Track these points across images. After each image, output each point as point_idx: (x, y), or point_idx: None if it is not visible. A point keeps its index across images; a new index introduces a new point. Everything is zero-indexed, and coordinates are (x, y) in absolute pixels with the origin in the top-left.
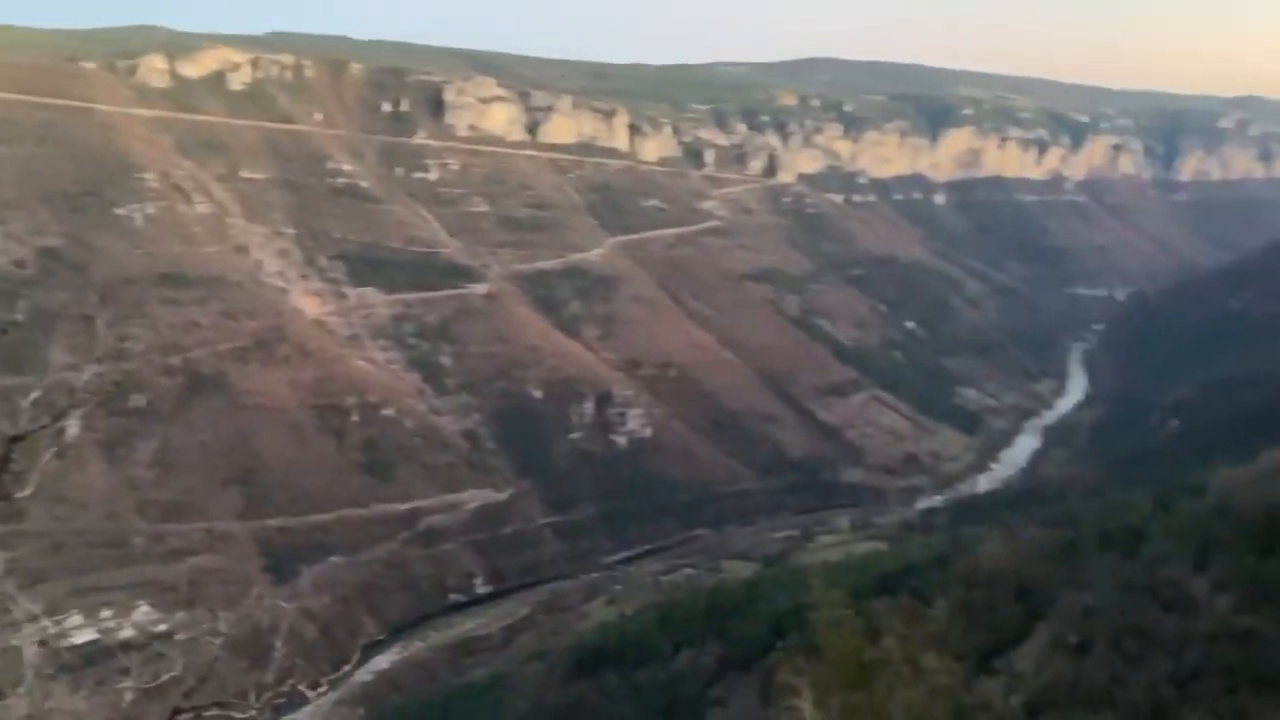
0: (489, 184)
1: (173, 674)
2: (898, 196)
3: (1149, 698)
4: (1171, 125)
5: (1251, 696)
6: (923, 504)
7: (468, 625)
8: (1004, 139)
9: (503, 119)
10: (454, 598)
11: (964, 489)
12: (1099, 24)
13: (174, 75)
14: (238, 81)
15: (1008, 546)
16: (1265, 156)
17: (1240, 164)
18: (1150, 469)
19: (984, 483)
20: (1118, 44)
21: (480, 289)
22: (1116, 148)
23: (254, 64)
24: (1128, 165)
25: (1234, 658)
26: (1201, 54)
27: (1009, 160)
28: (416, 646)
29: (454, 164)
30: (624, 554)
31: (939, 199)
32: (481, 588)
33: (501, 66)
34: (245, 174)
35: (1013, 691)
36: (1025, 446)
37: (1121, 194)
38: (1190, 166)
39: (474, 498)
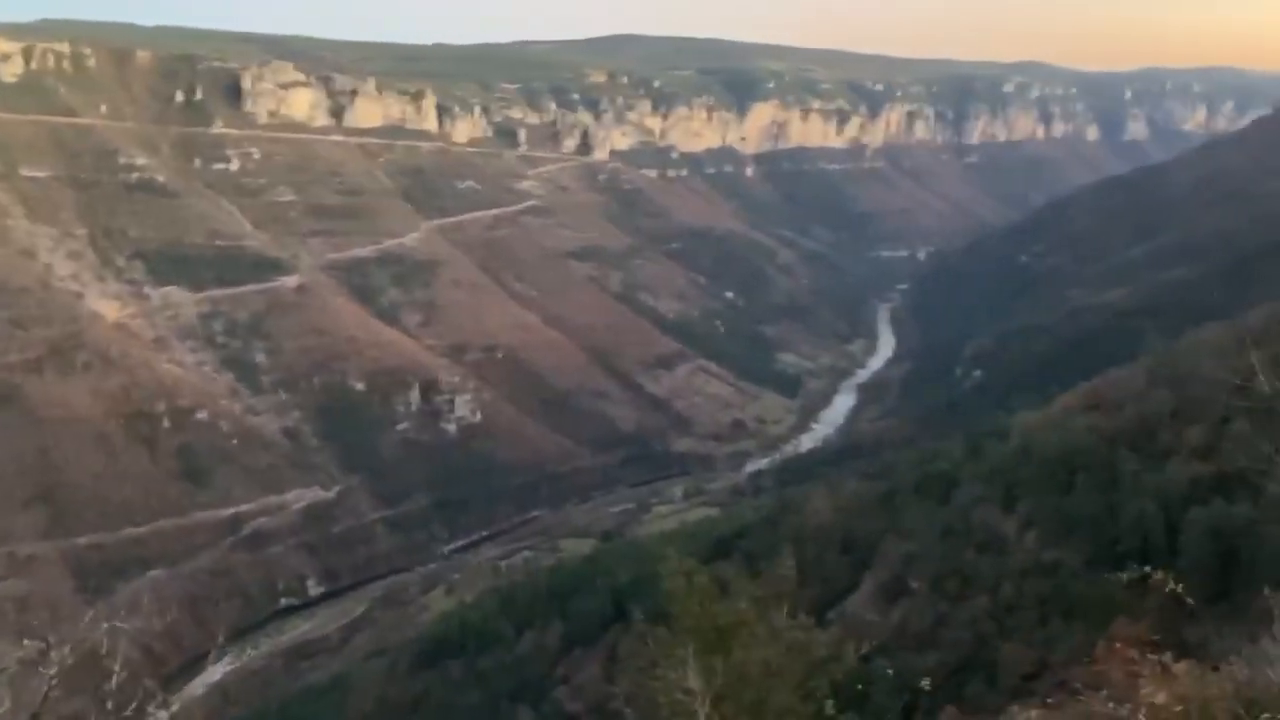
0: (295, 172)
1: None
2: (710, 170)
3: (971, 634)
4: (960, 91)
5: (1061, 624)
6: (751, 467)
7: (303, 628)
8: (806, 110)
9: (305, 104)
10: (286, 601)
11: (788, 450)
12: None
13: None
14: (8, 73)
15: (832, 502)
16: (1045, 118)
17: (1023, 126)
18: (958, 418)
19: (806, 443)
20: (908, 15)
21: (292, 281)
22: (911, 115)
23: (26, 54)
24: (922, 131)
25: (1044, 589)
26: (985, 23)
27: (812, 131)
28: (250, 655)
29: (256, 153)
30: (460, 542)
31: (749, 171)
32: (314, 589)
33: (299, 50)
34: (26, 172)
35: (858, 640)
36: (842, 405)
37: (918, 159)
38: (979, 130)
39: (300, 497)
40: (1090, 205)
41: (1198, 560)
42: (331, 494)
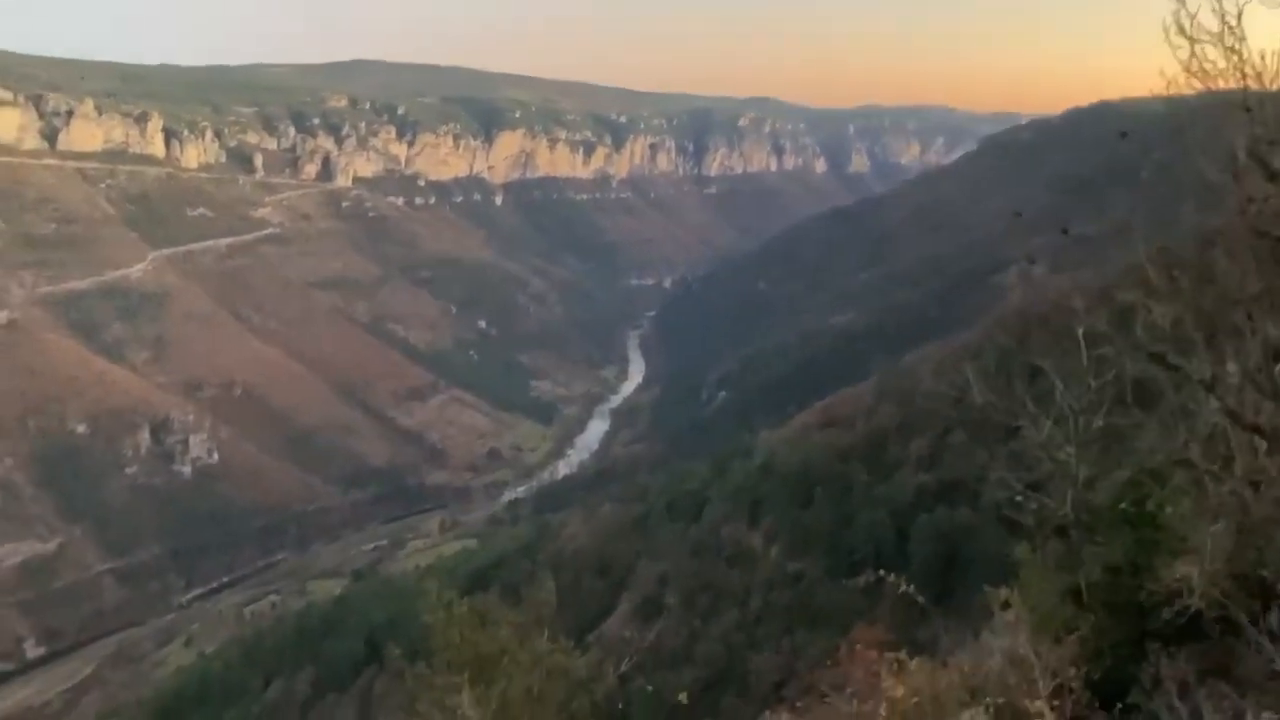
0: (2, 199)
1: None
2: (458, 198)
3: (723, 647)
4: (699, 125)
5: (806, 632)
6: (508, 496)
7: (21, 694)
8: (553, 140)
9: (12, 125)
10: (0, 666)
11: (545, 477)
12: (629, 30)
13: None
14: None
15: (588, 527)
16: (777, 151)
17: (758, 159)
18: (706, 439)
19: (563, 469)
20: (647, 48)
21: (0, 317)
22: (654, 147)
23: None
24: (664, 163)
25: (788, 600)
26: (721, 58)
27: (559, 161)
28: None
29: None
30: (199, 591)
31: (498, 200)
32: (33, 651)
33: (4, 67)
34: None
35: (617, 660)
36: (596, 430)
37: (661, 189)
38: (717, 162)
39: (14, 552)
40: (819, 235)
41: (925, 563)
42: (51, 546)
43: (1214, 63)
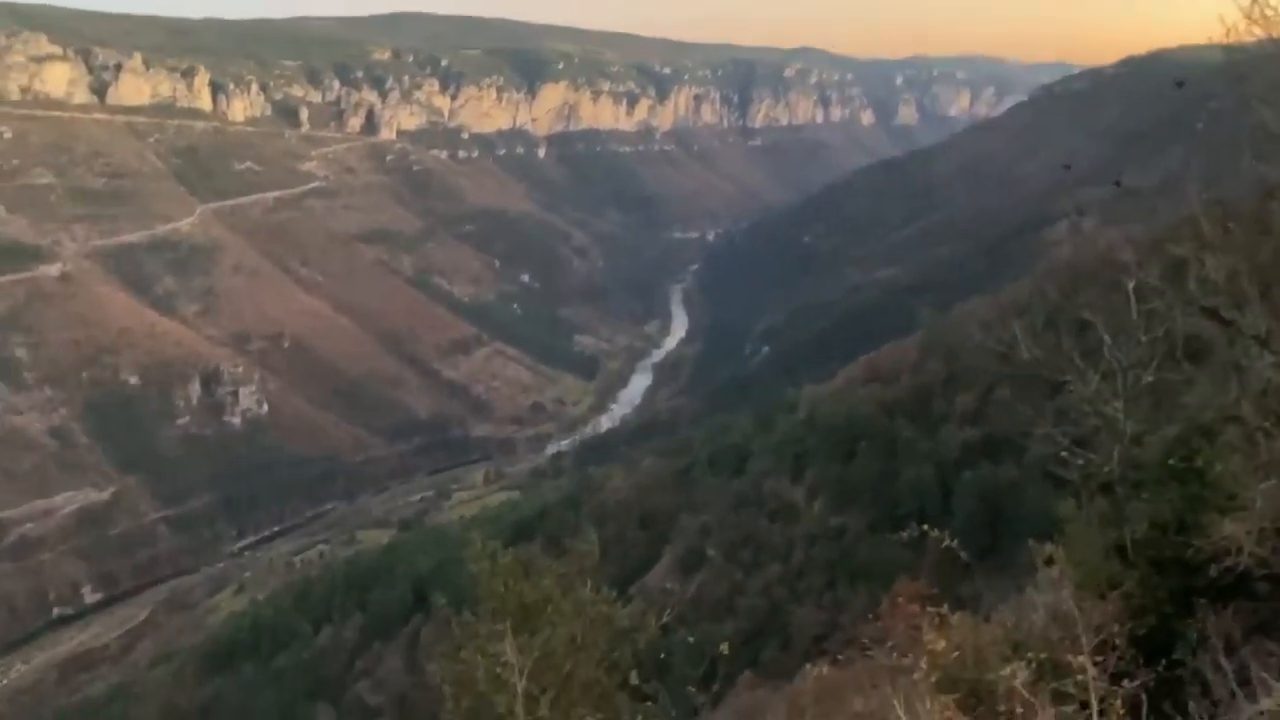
0: (53, 153)
1: None
2: (501, 151)
3: (765, 600)
4: (743, 76)
5: (848, 586)
6: (551, 449)
7: (79, 638)
8: (597, 92)
9: (62, 80)
10: (59, 611)
11: (588, 431)
12: None
13: None
14: None
15: (630, 480)
16: (824, 103)
17: (803, 110)
18: (748, 393)
19: (605, 423)
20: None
21: (54, 270)
22: (698, 98)
23: None
24: (709, 115)
25: (831, 554)
26: (767, 8)
27: (603, 113)
28: (19, 671)
29: (7, 132)
30: (250, 539)
31: (541, 152)
32: (90, 596)
33: (53, 22)
34: None
35: (659, 611)
36: (639, 384)
37: (705, 142)
38: (762, 114)
39: (71, 500)
40: (865, 187)
41: (969, 519)
42: (106, 495)
43: (1276, 9)
